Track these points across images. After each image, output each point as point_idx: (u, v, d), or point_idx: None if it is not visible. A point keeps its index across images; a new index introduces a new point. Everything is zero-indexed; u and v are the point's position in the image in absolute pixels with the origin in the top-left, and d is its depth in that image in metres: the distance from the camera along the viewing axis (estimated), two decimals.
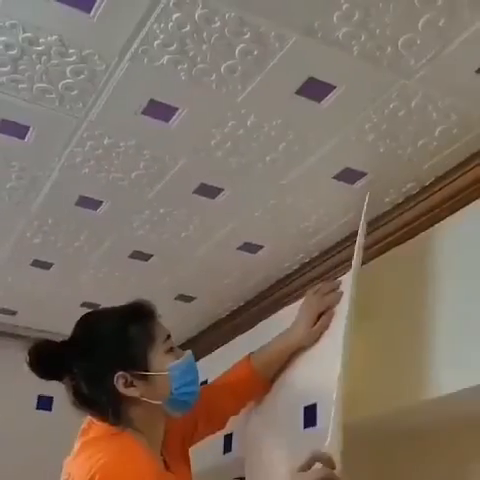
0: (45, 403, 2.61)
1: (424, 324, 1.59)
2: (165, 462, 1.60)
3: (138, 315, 1.61)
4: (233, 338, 2.37)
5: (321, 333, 1.83)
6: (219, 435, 2.02)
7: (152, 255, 2.04)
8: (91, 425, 1.57)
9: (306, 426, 1.76)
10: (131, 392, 1.53)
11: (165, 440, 1.63)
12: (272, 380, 1.94)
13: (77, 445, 1.55)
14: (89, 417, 1.59)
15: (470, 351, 1.45)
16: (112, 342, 1.56)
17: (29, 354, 1.54)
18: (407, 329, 1.64)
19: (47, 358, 1.55)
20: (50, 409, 2.63)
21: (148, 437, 1.55)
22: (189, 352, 1.64)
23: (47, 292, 2.28)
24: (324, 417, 1.64)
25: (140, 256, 2.04)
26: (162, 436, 1.62)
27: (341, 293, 1.82)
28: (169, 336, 1.61)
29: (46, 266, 2.12)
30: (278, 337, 1.91)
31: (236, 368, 1.94)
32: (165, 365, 1.56)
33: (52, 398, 2.61)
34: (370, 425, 1.73)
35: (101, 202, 1.78)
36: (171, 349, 1.59)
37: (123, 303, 1.63)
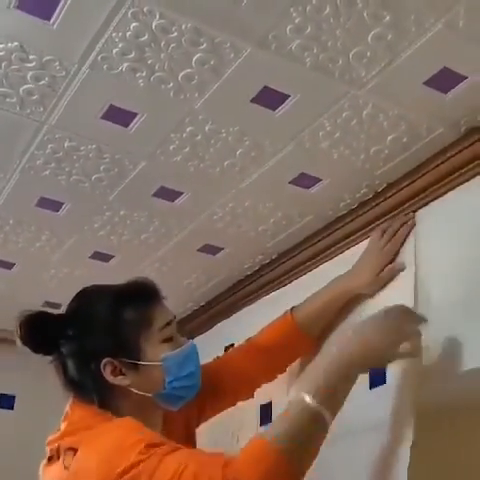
0: (7, 402, 2.61)
1: None
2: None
3: (136, 296, 1.45)
4: (193, 338, 2.39)
5: (387, 282, 1.61)
6: (253, 404, 1.86)
7: (113, 256, 2.07)
8: (74, 409, 1.43)
9: (372, 386, 1.58)
10: (119, 381, 1.39)
11: (164, 428, 1.48)
12: (320, 336, 1.72)
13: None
14: (71, 400, 1.45)
15: None
16: (103, 325, 1.42)
17: (21, 325, 1.41)
18: None
19: (39, 330, 1.42)
20: (12, 408, 2.63)
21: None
22: (190, 342, 1.47)
23: (8, 291, 2.29)
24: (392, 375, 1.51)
25: (101, 257, 2.07)
26: (160, 426, 1.47)
27: (413, 226, 1.59)
28: (170, 322, 1.45)
29: (7, 266, 2.14)
30: (334, 281, 1.68)
31: (273, 325, 1.74)
32: (160, 355, 1.40)
33: (14, 397, 2.62)
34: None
35: (62, 203, 1.81)
36: (170, 338, 1.43)
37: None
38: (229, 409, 1.77)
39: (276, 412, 1.83)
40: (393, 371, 1.50)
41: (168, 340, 1.43)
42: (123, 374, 1.39)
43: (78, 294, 1.51)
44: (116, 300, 1.44)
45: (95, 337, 1.41)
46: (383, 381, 1.53)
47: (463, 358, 1.41)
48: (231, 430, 1.97)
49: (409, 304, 1.50)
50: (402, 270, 1.59)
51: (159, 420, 1.48)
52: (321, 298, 1.70)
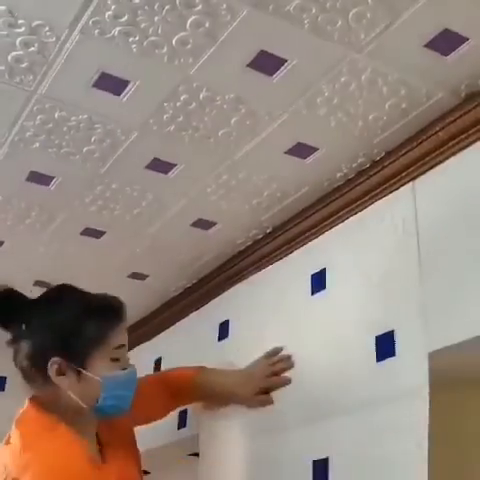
0: None
1: None
2: (102, 452, 1.57)
3: (103, 312, 1.55)
4: (187, 315, 2.38)
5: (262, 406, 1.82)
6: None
7: (104, 232, 2.03)
8: (27, 413, 1.54)
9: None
10: (59, 380, 1.50)
11: (101, 428, 1.60)
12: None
13: (14, 434, 1.50)
14: (26, 402, 1.56)
15: None
16: (65, 326, 1.52)
17: None
18: None
19: (5, 305, 1.54)
20: (3, 389, 2.60)
21: (81, 427, 1.51)
22: (132, 369, 1.58)
23: None
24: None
25: (92, 233, 2.03)
26: (96, 426, 1.59)
27: (289, 380, 1.79)
28: (122, 346, 1.56)
29: None
30: (230, 378, 1.90)
31: (183, 370, 1.94)
32: (103, 372, 1.51)
33: (5, 378, 2.59)
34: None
35: (52, 178, 1.77)
36: (117, 359, 1.54)
37: (83, 286, 1.61)
38: None
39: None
40: (401, 342, 1.48)
41: (115, 360, 1.54)
42: (64, 375, 1.50)
43: (55, 288, 1.61)
44: (85, 308, 1.54)
45: (54, 334, 1.51)
46: (392, 353, 1.50)
47: (470, 325, 1.38)
48: None
49: (414, 273, 1.48)
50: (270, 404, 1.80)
51: (93, 423, 1.58)
52: (221, 383, 1.90)
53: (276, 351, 1.86)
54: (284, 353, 1.83)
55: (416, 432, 1.36)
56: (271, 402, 1.80)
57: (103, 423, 1.60)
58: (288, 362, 1.81)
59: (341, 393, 1.61)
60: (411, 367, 1.44)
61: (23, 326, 1.53)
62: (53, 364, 1.49)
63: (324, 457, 1.59)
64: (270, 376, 1.82)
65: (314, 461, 1.62)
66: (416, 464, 1.35)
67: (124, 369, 1.55)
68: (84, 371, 1.50)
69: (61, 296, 1.59)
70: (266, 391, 1.82)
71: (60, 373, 1.50)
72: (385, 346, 1.52)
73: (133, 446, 1.71)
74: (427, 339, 1.44)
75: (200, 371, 1.92)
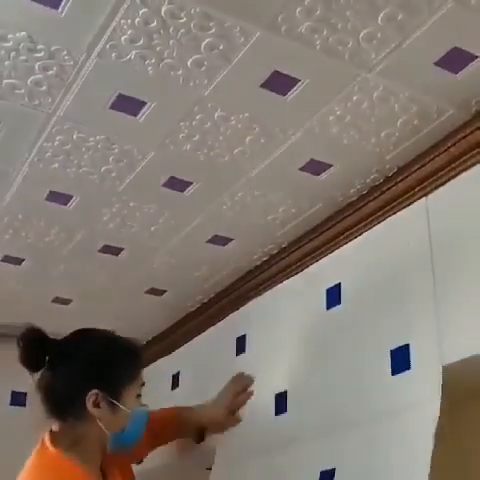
0: (18, 399, 2.61)
1: None
2: (104, 475, 1.66)
3: (133, 352, 1.71)
4: (204, 330, 2.40)
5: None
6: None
7: (122, 249, 2.06)
8: (42, 448, 1.60)
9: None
10: (94, 411, 1.59)
11: (104, 459, 1.68)
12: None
13: (29, 464, 1.60)
14: (43, 437, 1.62)
15: None
16: (100, 357, 1.63)
17: (22, 338, 1.62)
18: None
19: (37, 344, 1.62)
20: (24, 405, 2.63)
21: (90, 455, 1.60)
22: (148, 408, 1.73)
23: (18, 287, 2.28)
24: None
25: (110, 250, 2.06)
26: (100, 458, 1.66)
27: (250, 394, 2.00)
28: (144, 384, 1.71)
29: (17, 262, 2.13)
30: (202, 411, 2.03)
31: (163, 412, 2.03)
32: (132, 405, 1.64)
33: (26, 394, 2.61)
34: None
35: (71, 196, 1.80)
36: (139, 396, 1.69)
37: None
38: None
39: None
40: (416, 355, 1.50)
41: (139, 396, 1.69)
42: (100, 407, 1.59)
43: (77, 330, 1.70)
44: (119, 346, 1.68)
45: (90, 367, 1.62)
46: (407, 366, 1.52)
47: None
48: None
49: (428, 288, 1.50)
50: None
51: (101, 453, 1.66)
52: (195, 419, 2.04)
53: (240, 376, 2.05)
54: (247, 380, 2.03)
55: (424, 445, 1.37)
56: (238, 420, 1.99)
57: (105, 456, 1.67)
58: (249, 396, 2.01)
59: (356, 406, 1.62)
60: (425, 380, 1.45)
61: (50, 363, 1.62)
62: (92, 396, 1.58)
63: (330, 468, 1.61)
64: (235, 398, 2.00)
65: (321, 472, 1.63)
66: (421, 475, 1.36)
67: (143, 405, 1.70)
68: (118, 404, 1.61)
69: (86, 333, 1.69)
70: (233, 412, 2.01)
71: (96, 405, 1.59)
72: (400, 360, 1.53)
73: (132, 477, 1.83)
74: (441, 352, 1.45)
75: (177, 411, 2.05)
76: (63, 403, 1.61)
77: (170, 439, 2.07)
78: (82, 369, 1.61)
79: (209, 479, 2.03)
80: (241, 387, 2.02)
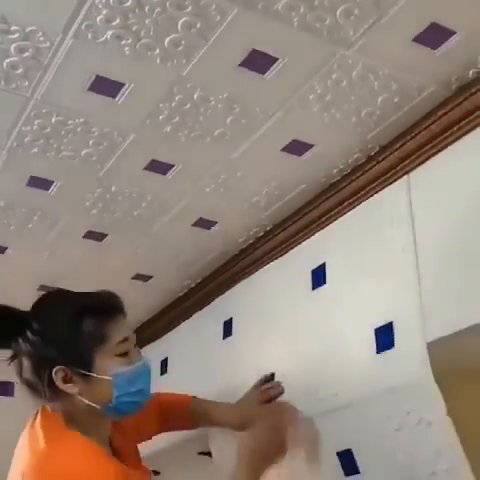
0: (6, 389, 2.61)
1: None
2: (117, 453, 1.53)
3: (97, 309, 1.48)
4: (191, 315, 2.39)
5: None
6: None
7: (106, 234, 2.05)
8: (42, 414, 1.51)
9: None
10: (68, 388, 1.45)
11: (114, 434, 1.57)
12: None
13: (32, 434, 1.48)
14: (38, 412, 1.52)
15: None
16: (61, 333, 1.46)
17: None
18: None
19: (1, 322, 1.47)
20: (12, 394, 2.62)
21: (94, 435, 1.47)
22: (144, 360, 1.52)
23: (2, 276, 2.27)
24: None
25: (94, 236, 2.05)
26: (108, 432, 1.54)
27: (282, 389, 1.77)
28: (127, 338, 1.49)
29: (1, 250, 2.12)
30: (220, 409, 1.81)
31: (177, 397, 1.87)
32: (112, 370, 1.45)
33: (13, 383, 2.60)
34: None
35: (52, 182, 1.79)
36: (125, 353, 1.48)
37: (88, 289, 1.55)
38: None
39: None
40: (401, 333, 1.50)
41: (123, 355, 1.47)
42: (73, 382, 1.45)
43: (42, 297, 1.55)
44: (77, 311, 1.47)
45: (52, 344, 1.45)
46: (391, 344, 1.52)
47: (468, 314, 1.40)
48: None
49: (411, 264, 1.50)
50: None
51: (107, 427, 1.54)
52: (211, 415, 1.81)
53: (266, 379, 1.82)
54: (274, 381, 1.81)
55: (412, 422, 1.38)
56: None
57: (114, 428, 1.56)
58: (278, 389, 1.77)
59: (342, 386, 1.63)
60: (410, 357, 1.46)
61: (20, 340, 1.47)
62: (58, 373, 1.44)
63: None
64: (262, 404, 1.75)
65: None
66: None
67: (136, 360, 1.49)
68: (91, 373, 1.44)
69: (52, 302, 1.53)
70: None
71: (67, 381, 1.44)
72: (384, 338, 1.53)
73: (138, 453, 1.68)
74: (425, 329, 1.45)
75: (192, 400, 1.85)
76: (35, 385, 1.47)
77: (179, 426, 1.88)
78: (46, 345, 1.45)
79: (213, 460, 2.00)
80: (269, 396, 1.77)
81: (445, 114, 1.53)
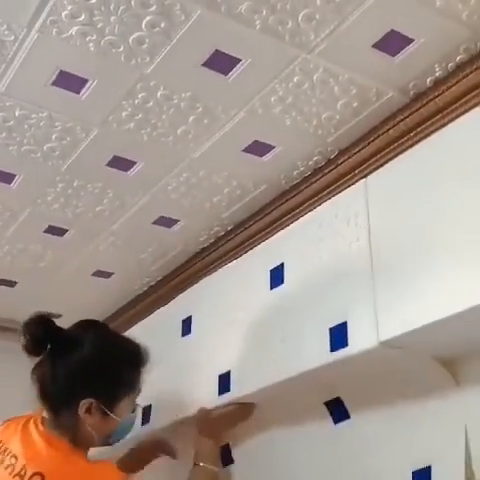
0: None
1: None
2: None
3: (136, 360, 1.67)
4: (151, 313, 2.40)
5: None
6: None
7: (67, 230, 2.05)
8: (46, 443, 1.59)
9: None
10: (86, 418, 1.59)
11: None
12: None
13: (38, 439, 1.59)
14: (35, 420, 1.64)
15: None
16: (105, 370, 1.61)
17: (27, 321, 1.60)
18: None
19: (41, 328, 1.60)
20: None
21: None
22: (138, 412, 1.75)
23: None
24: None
25: (56, 231, 2.05)
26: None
27: None
28: (140, 391, 1.69)
29: None
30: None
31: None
32: (123, 414, 1.64)
33: None
34: None
35: (14, 175, 1.79)
36: (136, 406, 1.69)
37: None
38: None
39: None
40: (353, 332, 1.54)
41: (135, 407, 1.69)
42: (91, 414, 1.59)
43: (90, 325, 1.70)
44: (126, 358, 1.65)
45: (91, 375, 1.59)
46: (345, 343, 1.55)
47: (419, 315, 1.43)
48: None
49: (366, 265, 1.54)
50: None
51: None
52: None
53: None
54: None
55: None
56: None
57: None
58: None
59: (297, 382, 1.66)
60: (362, 356, 1.49)
61: (51, 351, 1.60)
62: (85, 403, 1.57)
63: None
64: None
65: None
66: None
67: (133, 411, 1.69)
68: (111, 414, 1.60)
69: (103, 339, 1.67)
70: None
71: (87, 411, 1.58)
72: (338, 337, 1.56)
73: None
74: (378, 329, 1.49)
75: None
76: (57, 400, 1.60)
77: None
78: (82, 372, 1.59)
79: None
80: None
81: (403, 120, 1.56)
